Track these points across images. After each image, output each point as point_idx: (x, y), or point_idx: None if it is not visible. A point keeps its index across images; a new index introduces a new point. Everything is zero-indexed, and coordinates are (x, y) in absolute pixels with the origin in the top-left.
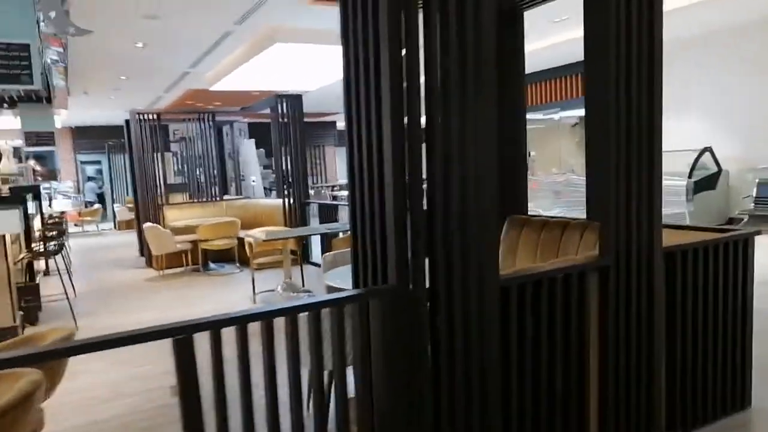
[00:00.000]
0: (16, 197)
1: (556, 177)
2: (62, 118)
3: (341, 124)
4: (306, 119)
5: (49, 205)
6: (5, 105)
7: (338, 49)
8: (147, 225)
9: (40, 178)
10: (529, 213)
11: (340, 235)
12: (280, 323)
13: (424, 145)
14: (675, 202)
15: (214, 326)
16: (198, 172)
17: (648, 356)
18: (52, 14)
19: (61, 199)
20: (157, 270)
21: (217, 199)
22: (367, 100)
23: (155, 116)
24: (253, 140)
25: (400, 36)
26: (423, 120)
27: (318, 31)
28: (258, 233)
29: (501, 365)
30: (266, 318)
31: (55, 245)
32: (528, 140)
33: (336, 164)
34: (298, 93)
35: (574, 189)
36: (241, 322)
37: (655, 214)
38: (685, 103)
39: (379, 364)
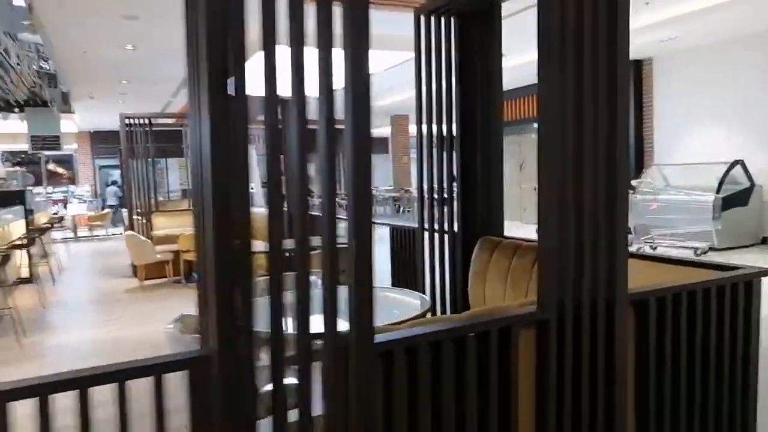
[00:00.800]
0: None
1: None
2: (77, 122)
3: None
4: None
5: (65, 208)
6: (16, 110)
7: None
8: (127, 233)
9: (65, 181)
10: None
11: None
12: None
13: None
14: (701, 220)
15: None
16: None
17: None
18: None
19: (76, 203)
20: (139, 280)
21: None
22: (197, 100)
23: (147, 120)
24: (254, 146)
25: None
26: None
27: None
28: None
29: None
30: None
31: None
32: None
33: None
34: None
35: None
36: None
37: (618, 251)
38: (715, 112)
39: None
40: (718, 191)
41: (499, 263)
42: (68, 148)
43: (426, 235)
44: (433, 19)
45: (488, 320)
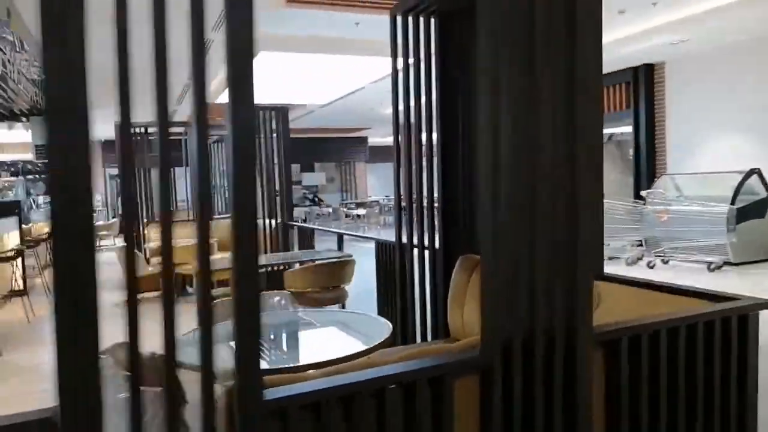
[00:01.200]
0: None
1: None
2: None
3: (373, 140)
4: (337, 134)
5: None
6: (23, 119)
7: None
8: (118, 247)
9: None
10: None
11: (297, 266)
12: None
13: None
14: (714, 232)
15: None
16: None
17: None
18: None
19: None
20: None
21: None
22: None
23: (143, 129)
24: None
25: None
26: None
27: (303, 39)
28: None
29: None
30: None
31: None
32: None
33: (366, 181)
34: (285, 105)
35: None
36: None
37: (579, 282)
38: (732, 118)
39: None
40: (732, 202)
41: (478, 286)
42: None
43: (410, 251)
44: (410, 19)
45: (415, 369)
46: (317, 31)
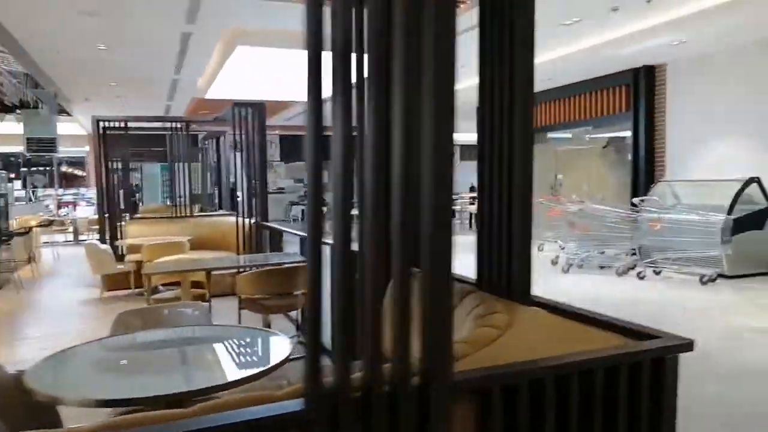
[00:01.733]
0: None
1: (570, 205)
2: (85, 125)
3: None
4: None
5: (74, 211)
6: (18, 111)
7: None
8: (87, 242)
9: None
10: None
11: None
12: None
13: None
14: (709, 243)
15: None
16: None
17: None
18: None
19: (84, 206)
20: (100, 291)
21: (187, 214)
22: None
23: (123, 124)
24: (239, 153)
25: None
26: None
27: (281, 33)
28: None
29: None
30: None
31: None
32: (557, 162)
33: None
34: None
35: (593, 220)
36: None
37: (435, 314)
38: (734, 123)
39: None
40: (729, 212)
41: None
42: (81, 150)
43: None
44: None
45: (199, 429)
46: (295, 26)
